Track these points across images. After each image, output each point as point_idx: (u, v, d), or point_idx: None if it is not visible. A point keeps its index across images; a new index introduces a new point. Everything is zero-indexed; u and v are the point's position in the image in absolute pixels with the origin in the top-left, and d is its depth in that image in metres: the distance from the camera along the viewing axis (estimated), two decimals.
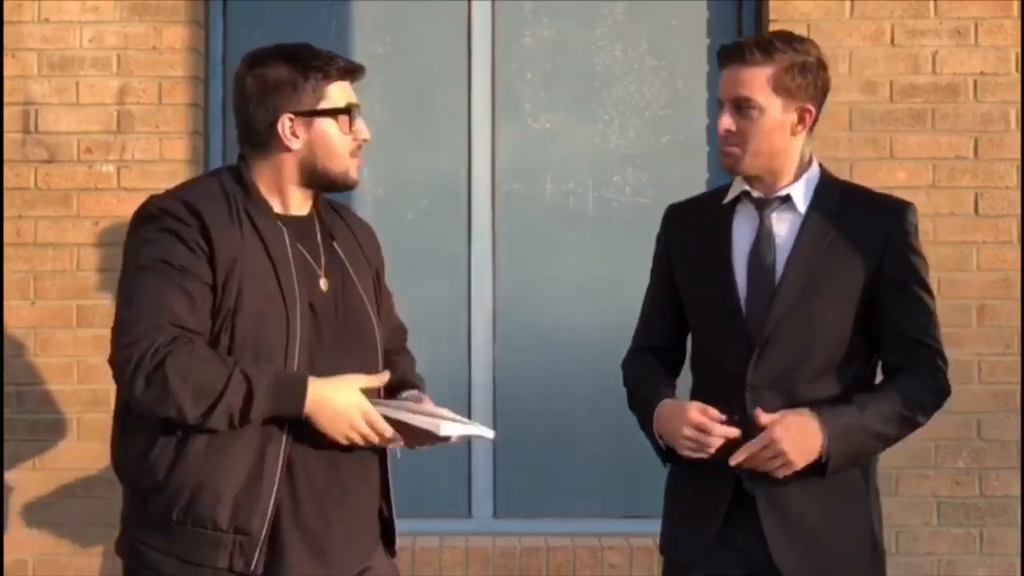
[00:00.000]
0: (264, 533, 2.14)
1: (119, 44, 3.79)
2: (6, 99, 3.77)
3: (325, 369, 2.20)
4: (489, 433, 2.28)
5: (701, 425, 2.30)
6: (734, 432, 2.29)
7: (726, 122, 2.36)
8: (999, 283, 3.72)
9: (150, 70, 3.78)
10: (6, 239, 3.76)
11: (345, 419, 2.15)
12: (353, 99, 2.30)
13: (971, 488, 3.74)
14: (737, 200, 2.45)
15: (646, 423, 2.49)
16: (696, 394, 2.46)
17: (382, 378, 2.25)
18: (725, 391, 2.37)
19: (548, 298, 3.97)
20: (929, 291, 2.41)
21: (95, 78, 3.78)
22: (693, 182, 3.97)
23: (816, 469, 2.28)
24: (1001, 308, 3.75)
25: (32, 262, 3.76)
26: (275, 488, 2.15)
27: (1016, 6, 3.76)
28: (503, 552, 3.78)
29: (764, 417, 2.26)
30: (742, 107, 2.34)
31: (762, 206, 2.41)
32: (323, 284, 2.27)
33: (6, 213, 3.76)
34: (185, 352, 2.09)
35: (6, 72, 3.77)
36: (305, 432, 2.17)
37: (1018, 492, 3.71)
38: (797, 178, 2.40)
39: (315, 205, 2.35)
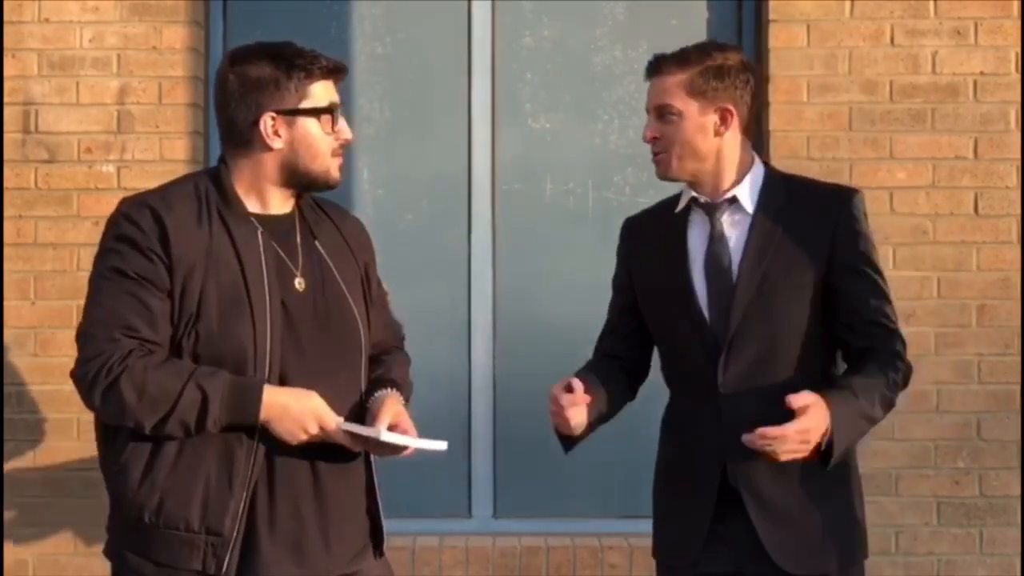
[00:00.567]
0: (236, 534, 2.15)
1: (119, 44, 3.79)
2: (6, 99, 3.78)
3: (303, 368, 2.20)
4: (441, 446, 2.27)
5: (554, 396, 2.42)
6: (580, 400, 2.39)
7: (650, 129, 2.48)
8: (999, 283, 3.72)
9: (150, 70, 3.79)
10: (6, 239, 3.76)
11: (299, 425, 2.16)
12: (335, 99, 2.29)
13: (971, 488, 3.74)
14: (688, 208, 2.51)
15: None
16: (673, 404, 2.58)
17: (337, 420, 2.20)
18: (698, 397, 2.44)
19: (548, 298, 3.97)
20: (880, 273, 2.44)
21: (95, 78, 3.78)
22: None
23: (817, 453, 2.28)
24: (1001, 308, 3.75)
25: (32, 262, 3.76)
26: (246, 489, 2.16)
27: (1016, 6, 3.76)
28: (503, 552, 3.79)
29: (797, 401, 2.23)
30: (663, 114, 2.45)
31: (711, 210, 2.46)
32: (299, 283, 2.26)
33: (6, 213, 3.76)
34: (140, 366, 2.11)
35: (6, 72, 3.77)
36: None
37: (1018, 492, 3.71)
38: (740, 179, 2.46)
39: (297, 204, 2.34)
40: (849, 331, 2.42)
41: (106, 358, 2.12)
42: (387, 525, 2.40)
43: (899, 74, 3.76)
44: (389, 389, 2.36)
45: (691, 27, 3.99)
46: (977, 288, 3.75)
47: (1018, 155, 3.74)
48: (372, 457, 2.36)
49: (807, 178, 2.64)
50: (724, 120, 2.43)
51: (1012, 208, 3.73)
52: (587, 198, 3.99)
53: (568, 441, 2.58)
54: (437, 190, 3.99)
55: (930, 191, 3.74)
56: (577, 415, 2.43)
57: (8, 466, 3.73)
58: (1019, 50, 3.75)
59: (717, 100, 2.41)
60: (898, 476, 3.68)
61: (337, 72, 2.30)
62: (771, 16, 3.77)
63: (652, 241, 2.56)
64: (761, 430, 2.22)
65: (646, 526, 3.92)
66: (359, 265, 2.40)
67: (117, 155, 3.78)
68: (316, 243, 2.33)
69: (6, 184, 3.77)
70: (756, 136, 3.91)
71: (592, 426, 2.57)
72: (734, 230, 2.45)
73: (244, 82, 2.22)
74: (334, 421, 2.17)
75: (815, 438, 2.24)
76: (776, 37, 3.77)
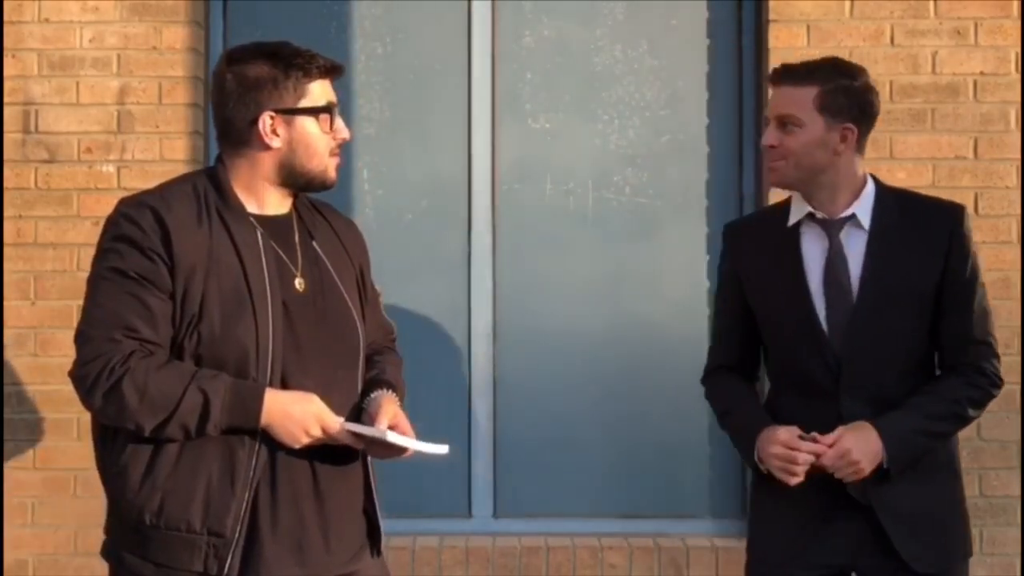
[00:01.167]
0: (238, 535, 2.14)
1: (119, 44, 3.79)
2: (6, 99, 3.78)
3: (303, 368, 2.20)
4: (442, 450, 2.27)
5: (788, 443, 2.46)
6: (820, 449, 2.44)
7: (769, 137, 2.53)
8: (999, 283, 3.72)
9: (150, 70, 3.79)
10: (6, 239, 3.76)
11: (301, 428, 2.15)
12: (333, 98, 2.29)
13: (971, 488, 3.71)
14: (800, 221, 2.58)
15: (744, 448, 2.62)
16: (779, 403, 2.64)
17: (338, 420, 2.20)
18: (812, 400, 2.54)
19: (548, 298, 3.97)
20: (984, 288, 2.58)
21: (95, 78, 3.78)
22: (693, 182, 3.98)
23: (879, 472, 2.46)
24: (1001, 308, 3.73)
25: (32, 262, 3.76)
26: (248, 490, 2.15)
27: (1016, 6, 3.75)
28: (503, 552, 3.78)
29: (827, 437, 2.44)
30: (786, 124, 2.50)
31: (829, 227, 2.55)
32: (299, 284, 2.26)
33: (6, 213, 3.76)
34: (142, 368, 2.10)
35: (6, 72, 3.77)
36: None
37: (1018, 492, 3.71)
38: (856, 196, 2.55)
39: (294, 204, 2.34)
40: (947, 345, 2.57)
41: (107, 359, 2.11)
42: (386, 525, 2.40)
43: (899, 74, 3.76)
44: (385, 390, 2.36)
45: (691, 27, 3.99)
46: None
47: (1018, 155, 3.74)
48: (370, 457, 2.36)
49: (915, 192, 2.74)
50: (844, 138, 2.50)
51: (1012, 208, 3.73)
52: (587, 198, 3.99)
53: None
54: (437, 190, 3.99)
55: (930, 191, 3.72)
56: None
57: (8, 466, 3.73)
58: (1019, 50, 3.75)
59: (841, 119, 2.49)
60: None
61: (334, 71, 2.30)
62: (771, 16, 3.76)
63: (764, 250, 2.63)
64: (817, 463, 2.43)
65: (646, 526, 3.95)
66: (355, 266, 2.39)
67: (117, 155, 3.78)
68: (313, 243, 2.33)
69: (6, 184, 3.77)
70: (756, 136, 3.92)
71: None
72: (852, 247, 2.54)
73: (242, 81, 2.22)
74: (336, 423, 2.17)
75: (859, 456, 2.42)
76: (776, 37, 3.76)
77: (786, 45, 3.76)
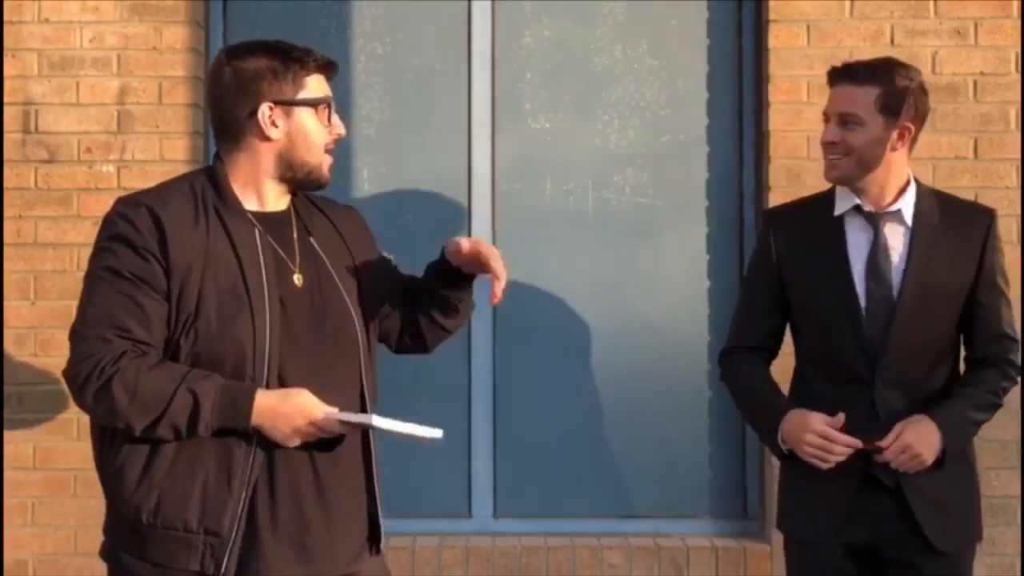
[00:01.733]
0: (235, 534, 2.14)
1: (119, 44, 3.79)
2: (6, 99, 3.78)
3: (301, 364, 2.20)
4: (436, 433, 2.23)
5: (825, 434, 2.56)
6: (856, 444, 2.55)
7: (830, 134, 2.64)
8: None
9: (150, 70, 3.79)
10: (6, 239, 3.76)
11: (289, 425, 2.15)
12: (329, 93, 2.31)
13: None
14: (845, 212, 2.70)
15: (765, 427, 2.74)
16: (808, 386, 2.74)
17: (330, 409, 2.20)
18: (847, 387, 2.65)
19: (548, 298, 3.96)
20: (1008, 285, 2.74)
21: (95, 78, 3.78)
22: (693, 182, 3.98)
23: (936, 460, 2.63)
24: None
25: (32, 262, 3.76)
26: (246, 489, 2.15)
27: (1016, 6, 3.75)
28: (503, 552, 3.78)
29: (887, 441, 2.56)
30: (846, 121, 2.61)
31: (875, 219, 2.66)
32: (297, 280, 2.26)
33: (6, 213, 3.76)
34: (132, 368, 2.10)
35: (6, 72, 3.77)
36: None
37: (1018, 492, 3.71)
38: (903, 193, 2.67)
39: (292, 201, 2.34)
40: (978, 339, 2.71)
41: (98, 359, 2.11)
42: (386, 525, 2.40)
43: None
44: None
45: (691, 27, 3.99)
46: None
47: (1018, 155, 3.74)
48: (373, 455, 2.35)
49: (949, 194, 2.84)
50: (902, 137, 2.63)
51: (1012, 208, 3.73)
52: (587, 198, 3.99)
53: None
54: (437, 190, 3.99)
55: None
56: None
57: (8, 466, 3.73)
58: (1019, 50, 3.75)
59: (900, 118, 2.61)
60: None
61: (330, 67, 2.32)
62: (771, 16, 3.76)
63: (807, 237, 2.73)
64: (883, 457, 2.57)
65: (646, 526, 3.95)
66: (355, 259, 2.39)
67: (117, 155, 3.78)
68: (311, 239, 2.33)
69: (6, 184, 3.77)
70: (756, 136, 3.92)
71: None
72: (895, 241, 2.66)
73: (241, 74, 2.23)
74: (321, 412, 2.16)
75: (920, 448, 2.55)
76: (776, 37, 3.77)
77: (786, 45, 3.76)
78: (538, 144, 4.00)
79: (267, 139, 2.24)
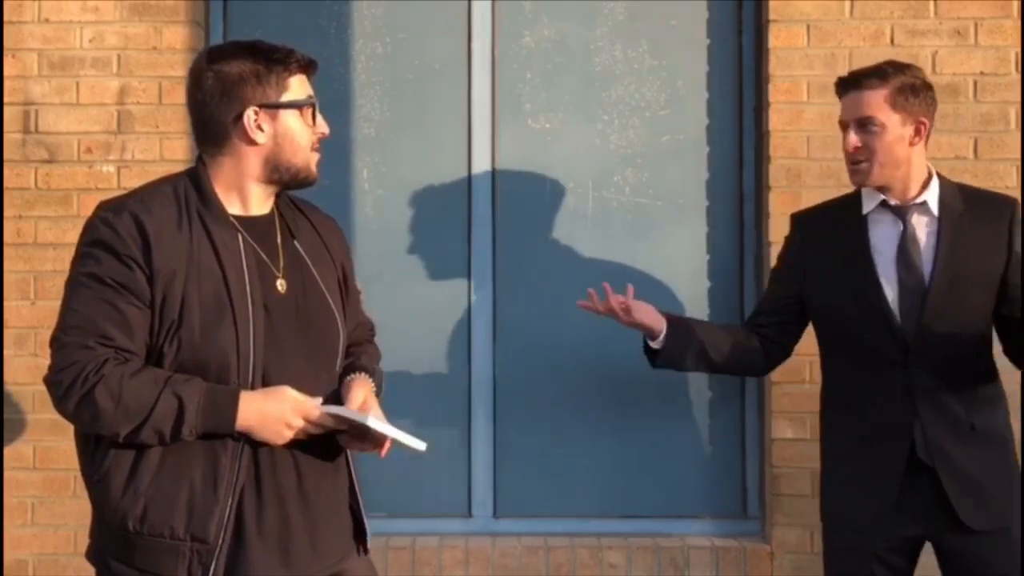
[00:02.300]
0: (221, 541, 2.14)
1: (119, 44, 3.79)
2: (6, 99, 3.78)
3: (285, 370, 2.19)
4: (421, 445, 2.25)
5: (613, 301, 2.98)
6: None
7: (853, 139, 2.76)
8: None
9: (150, 70, 3.79)
10: (6, 239, 3.76)
11: (282, 423, 2.14)
12: (311, 92, 2.29)
13: None
14: (871, 209, 2.82)
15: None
16: (842, 380, 2.83)
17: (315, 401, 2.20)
18: (882, 375, 2.75)
19: (548, 298, 3.96)
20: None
21: (95, 78, 3.79)
22: (693, 182, 3.98)
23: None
24: None
25: (32, 262, 3.76)
26: (232, 495, 2.14)
27: (1016, 6, 3.75)
28: (503, 552, 3.78)
29: None
30: (864, 125, 2.74)
31: (903, 212, 2.78)
32: (280, 286, 2.25)
33: (6, 213, 3.76)
34: (116, 375, 2.09)
35: (6, 72, 3.78)
36: None
37: (1018, 492, 3.70)
38: (926, 186, 2.79)
39: (276, 203, 2.33)
40: (1011, 311, 2.78)
41: (81, 367, 2.10)
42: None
43: None
44: (358, 373, 2.35)
45: (691, 27, 3.99)
46: None
47: (1018, 155, 3.74)
48: (353, 455, 2.35)
49: (971, 186, 2.94)
50: (918, 132, 2.76)
51: None
52: (587, 198, 3.99)
53: (655, 354, 2.98)
54: (437, 190, 3.99)
55: None
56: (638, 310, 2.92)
57: (8, 466, 3.73)
58: (1019, 50, 3.75)
59: (914, 114, 2.74)
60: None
61: (311, 67, 2.30)
62: (771, 16, 3.76)
63: (832, 237, 2.87)
64: None
65: (646, 526, 3.95)
66: (336, 265, 2.39)
67: (117, 155, 3.78)
68: (295, 243, 2.32)
69: (6, 184, 3.77)
70: (756, 136, 3.92)
71: (685, 349, 2.97)
72: (923, 231, 2.78)
73: (224, 78, 2.21)
74: (315, 408, 2.16)
75: None
76: (776, 37, 3.77)
77: (786, 45, 3.76)
78: (538, 144, 4.00)
79: (253, 143, 2.23)
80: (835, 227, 2.88)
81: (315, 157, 2.30)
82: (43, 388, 2.17)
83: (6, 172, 3.77)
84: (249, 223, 2.26)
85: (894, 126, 2.73)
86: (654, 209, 3.98)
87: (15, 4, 3.78)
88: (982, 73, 3.76)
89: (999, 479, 2.76)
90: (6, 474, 3.72)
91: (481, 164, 3.98)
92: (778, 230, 3.72)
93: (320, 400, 2.19)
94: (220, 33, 3.96)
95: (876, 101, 2.73)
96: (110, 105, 3.79)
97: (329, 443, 2.26)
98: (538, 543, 3.81)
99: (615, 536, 3.85)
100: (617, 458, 3.95)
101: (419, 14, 4.01)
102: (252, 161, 2.25)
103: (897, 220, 2.79)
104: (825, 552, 2.89)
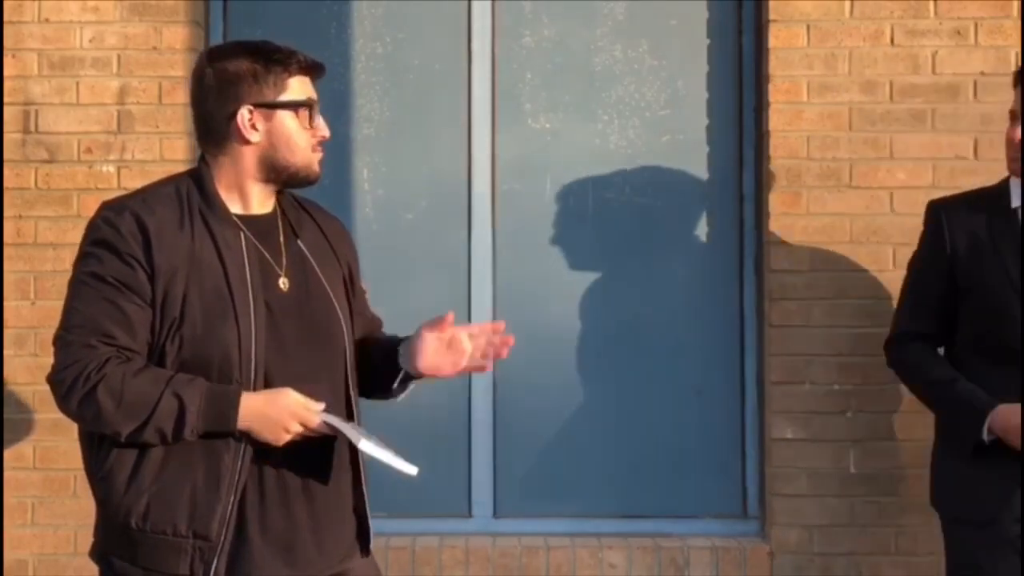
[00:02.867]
0: (223, 538, 2.14)
1: (119, 44, 3.79)
2: (6, 99, 3.78)
3: (287, 369, 2.19)
4: (412, 469, 2.24)
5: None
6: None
7: (1019, 133, 2.81)
8: None
9: (150, 70, 3.79)
10: (6, 239, 3.76)
11: (280, 426, 2.14)
12: (313, 95, 2.29)
13: None
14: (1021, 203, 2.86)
15: (965, 416, 2.80)
16: (981, 372, 2.81)
17: (319, 405, 2.20)
18: (1012, 369, 2.73)
19: (548, 298, 3.96)
20: None
21: (95, 78, 3.78)
22: (693, 182, 3.98)
23: None
24: None
25: (32, 262, 3.76)
26: (234, 492, 2.15)
27: (1016, 6, 3.75)
28: (503, 552, 3.78)
29: None
30: None
31: None
32: (283, 284, 2.25)
33: (6, 213, 3.76)
34: (118, 374, 2.10)
35: (6, 72, 3.78)
36: None
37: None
38: None
39: (279, 202, 2.33)
40: None
41: (83, 365, 2.11)
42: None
43: (899, 74, 3.76)
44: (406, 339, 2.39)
45: (691, 27, 3.99)
46: None
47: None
48: (360, 455, 2.34)
49: None
50: None
51: None
52: (587, 198, 3.99)
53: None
54: (437, 190, 3.99)
55: (930, 191, 3.73)
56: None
57: (8, 466, 3.73)
58: (1019, 50, 3.74)
59: None
60: (898, 476, 3.68)
61: (314, 69, 2.30)
62: (771, 16, 3.76)
63: (982, 225, 2.86)
64: None
65: (646, 526, 3.95)
66: (341, 264, 2.38)
67: (117, 155, 3.78)
68: (299, 242, 2.32)
69: (6, 184, 3.77)
70: (756, 136, 3.92)
71: None
72: None
73: (222, 76, 2.22)
74: (315, 418, 2.16)
75: None
76: (776, 37, 3.77)
77: (786, 45, 3.76)
78: (538, 144, 4.00)
79: (247, 142, 2.23)
80: (984, 216, 2.88)
81: (317, 156, 2.30)
82: (43, 388, 2.17)
83: (6, 172, 3.77)
84: (251, 222, 2.26)
85: None
86: (654, 209, 3.98)
87: (15, 4, 3.78)
88: (982, 73, 3.76)
89: None
90: (6, 474, 3.72)
91: (481, 164, 3.98)
92: (778, 230, 3.73)
93: (323, 406, 2.19)
94: (220, 33, 3.96)
95: None
96: (110, 105, 3.78)
97: (335, 442, 2.26)
98: (538, 543, 3.81)
99: (615, 536, 3.85)
100: (617, 458, 3.95)
101: (419, 14, 4.01)
102: (248, 160, 2.25)
103: None
104: (950, 548, 2.88)
